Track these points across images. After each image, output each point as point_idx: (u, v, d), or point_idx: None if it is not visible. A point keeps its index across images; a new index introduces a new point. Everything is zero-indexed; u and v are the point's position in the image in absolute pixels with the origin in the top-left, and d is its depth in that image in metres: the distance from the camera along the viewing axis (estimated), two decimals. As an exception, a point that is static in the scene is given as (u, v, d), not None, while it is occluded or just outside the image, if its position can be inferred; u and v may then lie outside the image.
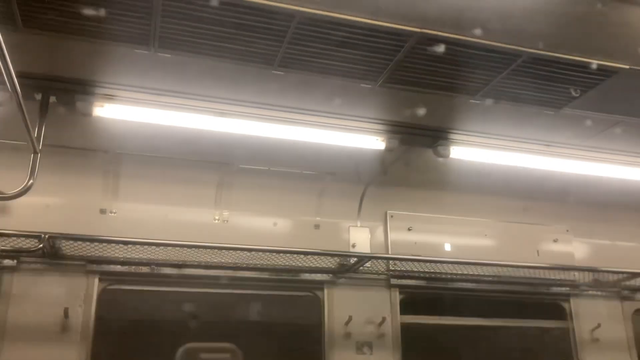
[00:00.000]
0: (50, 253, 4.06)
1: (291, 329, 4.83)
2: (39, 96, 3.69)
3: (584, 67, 3.53)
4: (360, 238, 5.11)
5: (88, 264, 4.28)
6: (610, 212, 5.68)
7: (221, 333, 4.63)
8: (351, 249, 5.02)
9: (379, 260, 4.83)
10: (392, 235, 5.20)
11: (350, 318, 4.74)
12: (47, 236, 3.83)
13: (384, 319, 4.84)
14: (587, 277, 5.42)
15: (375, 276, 4.94)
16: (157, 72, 3.61)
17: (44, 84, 3.66)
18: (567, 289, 5.51)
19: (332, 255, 4.62)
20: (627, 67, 3.53)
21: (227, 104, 3.96)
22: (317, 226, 5.03)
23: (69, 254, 4.18)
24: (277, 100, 3.97)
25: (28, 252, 3.99)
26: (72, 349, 4.09)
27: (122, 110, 3.81)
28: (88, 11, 2.99)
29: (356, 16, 3.09)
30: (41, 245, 3.83)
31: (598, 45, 3.40)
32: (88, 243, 4.06)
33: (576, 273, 5.38)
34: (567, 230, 5.70)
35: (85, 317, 4.19)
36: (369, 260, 4.74)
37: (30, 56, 3.42)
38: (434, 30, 3.19)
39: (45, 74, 3.62)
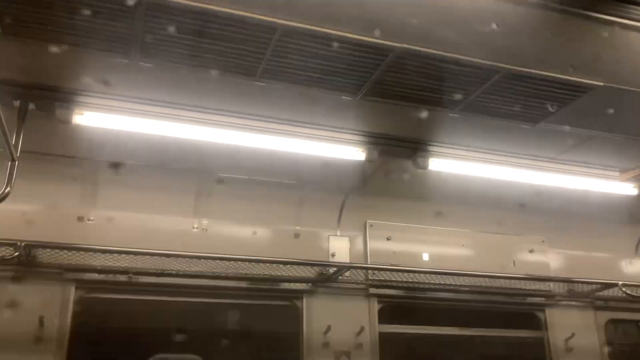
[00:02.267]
0: (26, 261, 4.01)
1: (270, 338, 4.82)
2: (17, 103, 3.65)
3: (560, 83, 3.62)
4: (340, 247, 5.13)
5: (65, 272, 4.23)
6: (585, 223, 5.76)
7: (199, 342, 4.60)
8: (331, 258, 5.04)
9: (358, 270, 4.85)
10: (371, 245, 5.23)
11: (328, 327, 4.74)
12: (23, 244, 3.78)
13: (362, 329, 4.86)
14: (562, 288, 5.51)
15: (354, 285, 4.96)
16: (138, 81, 3.60)
17: (23, 91, 3.62)
18: (543, 299, 5.59)
19: (312, 265, 4.63)
20: (601, 84, 3.63)
21: (208, 113, 3.96)
22: (296, 235, 5.04)
23: (45, 262, 4.14)
24: (259, 110, 3.98)
25: (3, 260, 3.94)
26: (46, 359, 4.03)
27: (102, 119, 3.78)
28: (69, 20, 2.98)
29: (338, 30, 3.12)
30: (17, 254, 3.79)
31: (574, 62, 3.49)
32: (65, 251, 4.02)
33: (551, 283, 5.47)
34: (543, 241, 5.79)
35: (61, 326, 4.14)
36: (348, 270, 4.76)
37: (8, 63, 3.38)
38: (415, 45, 3.23)
39: (24, 81, 3.58)
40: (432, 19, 3.11)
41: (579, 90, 3.69)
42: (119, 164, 4.42)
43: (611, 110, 3.99)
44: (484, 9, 3.08)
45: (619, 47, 3.41)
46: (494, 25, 3.19)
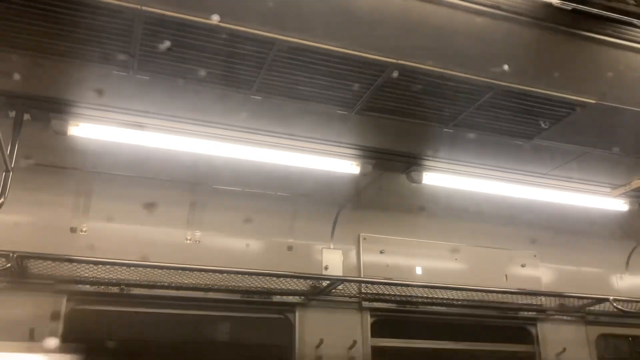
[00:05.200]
0: (18, 272, 3.98)
1: (262, 351, 4.80)
2: (12, 113, 3.64)
3: (553, 100, 3.66)
4: (333, 260, 5.14)
5: (56, 284, 4.20)
6: (576, 238, 5.80)
7: (191, 355, 4.57)
8: (324, 271, 5.04)
9: (351, 283, 4.85)
10: (364, 258, 5.24)
11: (321, 341, 4.73)
12: (15, 255, 3.75)
13: (354, 342, 4.85)
14: (554, 302, 5.54)
15: (347, 299, 4.96)
16: (134, 93, 3.60)
17: (18, 101, 3.60)
18: (534, 313, 5.61)
19: (305, 278, 4.62)
20: (594, 101, 3.67)
21: (204, 125, 3.96)
22: (290, 248, 5.03)
23: (37, 273, 4.11)
24: (254, 123, 3.99)
25: (-5, 271, 3.91)
26: (36, 371, 4.00)
27: (98, 130, 3.78)
28: (66, 32, 2.99)
29: (334, 46, 3.15)
30: (9, 265, 3.75)
31: (567, 80, 3.53)
32: (57, 262, 3.99)
33: (543, 298, 5.49)
34: (535, 256, 5.83)
35: (52, 338, 4.08)
36: (341, 283, 4.76)
37: (4, 73, 3.38)
38: (411, 62, 3.26)
39: (20, 92, 3.57)
40: (427, 35, 3.15)
41: (571, 107, 3.74)
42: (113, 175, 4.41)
43: (603, 128, 4.05)
44: (478, 27, 3.11)
45: (611, 66, 3.46)
46: (488, 43, 3.23)
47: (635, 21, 3.18)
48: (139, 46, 3.09)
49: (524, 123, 3.94)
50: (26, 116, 3.66)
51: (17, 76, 3.40)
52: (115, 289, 4.36)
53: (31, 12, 2.85)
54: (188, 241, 4.75)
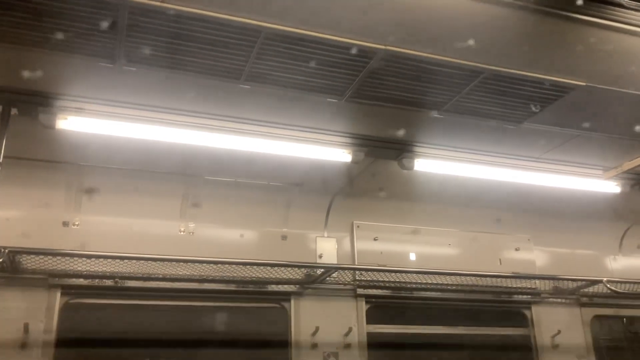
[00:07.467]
0: (10, 267, 3.98)
1: (258, 340, 4.81)
2: (-1, 108, 3.62)
3: (543, 84, 3.64)
4: (327, 248, 5.15)
5: (50, 278, 4.20)
6: (569, 221, 5.83)
7: (188, 346, 4.58)
8: (318, 260, 5.06)
9: (346, 271, 4.86)
10: (358, 245, 5.25)
11: (317, 329, 4.76)
12: (7, 250, 3.74)
13: (350, 329, 4.88)
14: (548, 285, 5.57)
15: (342, 286, 4.98)
16: (122, 85, 3.57)
17: (5, 96, 3.58)
18: (529, 296, 5.64)
19: (299, 267, 4.63)
20: (584, 84, 3.66)
21: (194, 116, 3.94)
22: (284, 237, 5.04)
23: (30, 267, 4.10)
24: (245, 113, 3.97)
25: (-13, 267, 3.90)
26: (32, 366, 4.00)
27: (86, 123, 3.75)
28: (52, 25, 2.96)
29: (322, 33, 3.13)
30: (1, 260, 3.74)
31: (556, 63, 3.53)
32: (50, 257, 3.98)
33: (537, 281, 5.52)
34: (529, 239, 5.85)
35: (47, 332, 4.11)
36: (336, 271, 4.77)
37: (-11, 67, 3.35)
38: (399, 47, 3.25)
39: (7, 86, 3.54)
40: (416, 21, 3.13)
41: (561, 90, 3.73)
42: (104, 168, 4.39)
43: (594, 110, 4.04)
44: (467, 11, 3.09)
45: (601, 48, 3.44)
46: (477, 27, 3.21)
47: (624, 2, 3.16)
48: (124, 37, 3.06)
49: (515, 107, 3.93)
50: (13, 110, 3.63)
51: (2, 70, 3.37)
52: (109, 282, 4.37)
53: (15, 4, 2.81)
54: (182, 233, 4.75)
